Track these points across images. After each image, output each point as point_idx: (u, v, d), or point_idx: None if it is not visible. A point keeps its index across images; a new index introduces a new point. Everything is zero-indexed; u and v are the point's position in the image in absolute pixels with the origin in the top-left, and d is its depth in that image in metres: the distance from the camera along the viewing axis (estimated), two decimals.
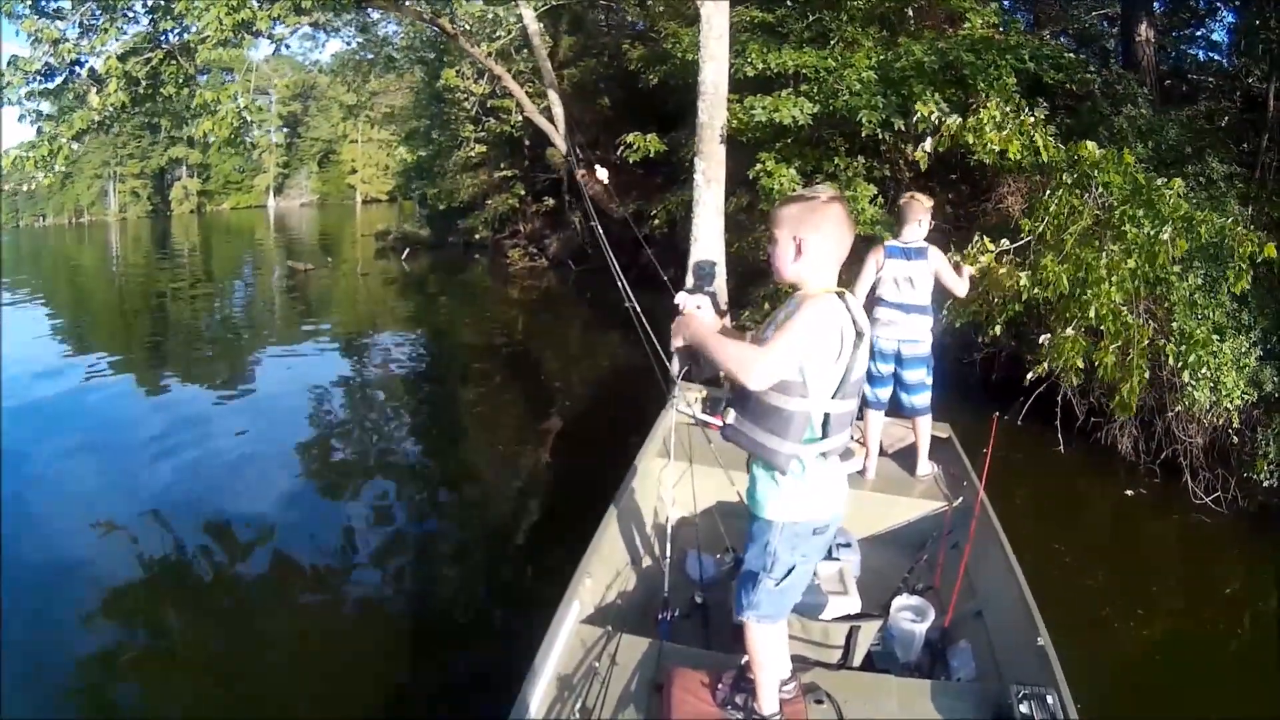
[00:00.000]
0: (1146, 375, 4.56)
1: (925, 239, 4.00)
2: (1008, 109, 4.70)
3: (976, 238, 4.88)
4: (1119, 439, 5.54)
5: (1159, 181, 4.36)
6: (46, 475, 5.94)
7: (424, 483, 6.05)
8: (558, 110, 13.07)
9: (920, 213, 4.00)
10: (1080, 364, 4.59)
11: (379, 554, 4.73)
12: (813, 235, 1.87)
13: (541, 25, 14.13)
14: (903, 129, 5.93)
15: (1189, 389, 4.76)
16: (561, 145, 13.44)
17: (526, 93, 14.13)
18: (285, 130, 57.73)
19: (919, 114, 4.71)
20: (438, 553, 4.83)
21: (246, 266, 24.49)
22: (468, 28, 10.90)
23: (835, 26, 7.23)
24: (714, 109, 7.35)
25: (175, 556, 4.71)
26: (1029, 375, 4.67)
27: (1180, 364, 4.67)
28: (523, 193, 17.51)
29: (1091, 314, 4.34)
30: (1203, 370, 4.68)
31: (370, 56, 14.33)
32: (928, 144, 4.57)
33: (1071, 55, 6.36)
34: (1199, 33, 10.00)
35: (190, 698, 3.42)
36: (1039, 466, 5.63)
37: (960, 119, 4.64)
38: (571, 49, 16.16)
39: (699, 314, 2.05)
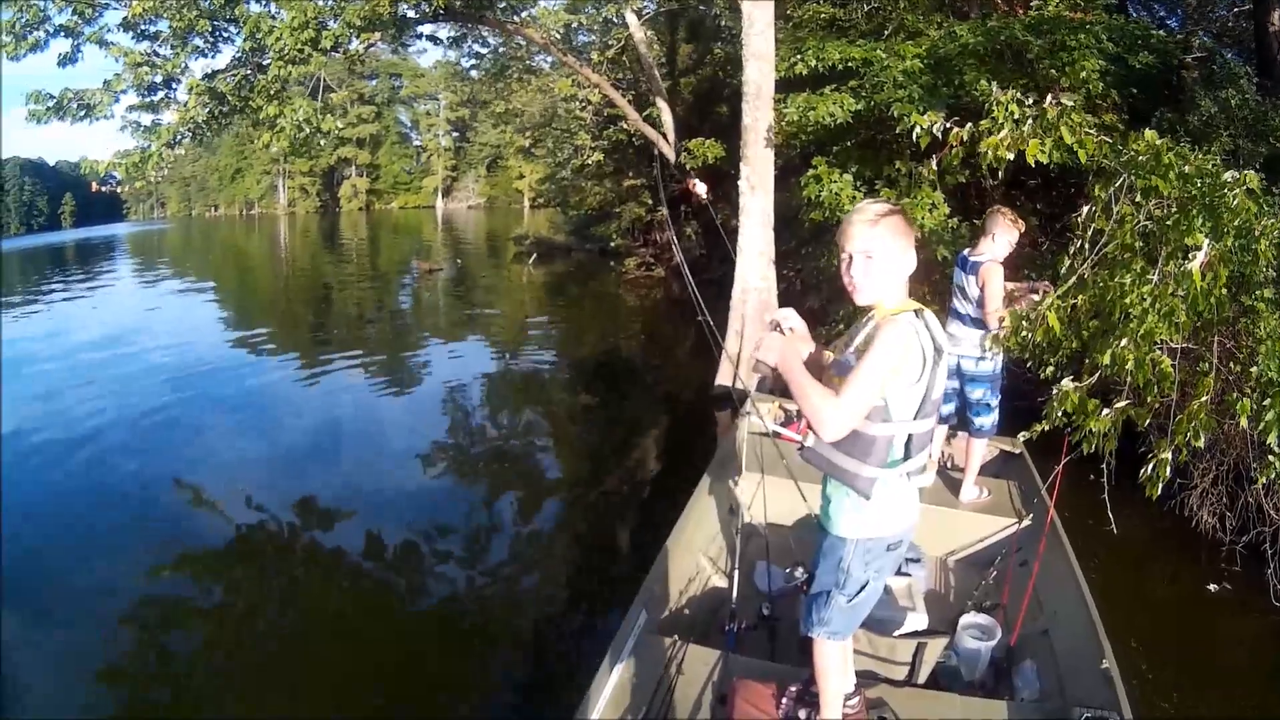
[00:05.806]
0: (1202, 440, 3.52)
1: (1004, 258, 3.74)
2: (1028, 101, 3.84)
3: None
4: (1198, 510, 4.41)
5: (1227, 176, 3.36)
6: (164, 439, 6.99)
7: (504, 484, 6.18)
8: (667, 119, 12.88)
9: (996, 227, 3.73)
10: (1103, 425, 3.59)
11: (452, 551, 4.86)
12: (881, 248, 1.83)
13: (653, 34, 14.01)
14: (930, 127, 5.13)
15: (1271, 459, 3.65)
16: (670, 154, 13.27)
17: (637, 100, 14.04)
18: (454, 135, 61.89)
19: (917, 126, 4.04)
20: (512, 553, 4.90)
21: (401, 263, 26.57)
22: (557, 36, 10.96)
23: (894, 15, 6.43)
24: (758, 110, 6.85)
25: (265, 524, 5.19)
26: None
27: (1258, 424, 3.59)
28: (650, 202, 17.44)
29: (1107, 359, 3.31)
30: None
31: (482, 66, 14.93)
32: (934, 160, 3.91)
33: (1162, 33, 5.13)
34: None
35: (246, 673, 3.59)
36: (1096, 537, 4.63)
37: (971, 126, 3.87)
38: (689, 57, 15.91)
39: (796, 331, 2.00)
